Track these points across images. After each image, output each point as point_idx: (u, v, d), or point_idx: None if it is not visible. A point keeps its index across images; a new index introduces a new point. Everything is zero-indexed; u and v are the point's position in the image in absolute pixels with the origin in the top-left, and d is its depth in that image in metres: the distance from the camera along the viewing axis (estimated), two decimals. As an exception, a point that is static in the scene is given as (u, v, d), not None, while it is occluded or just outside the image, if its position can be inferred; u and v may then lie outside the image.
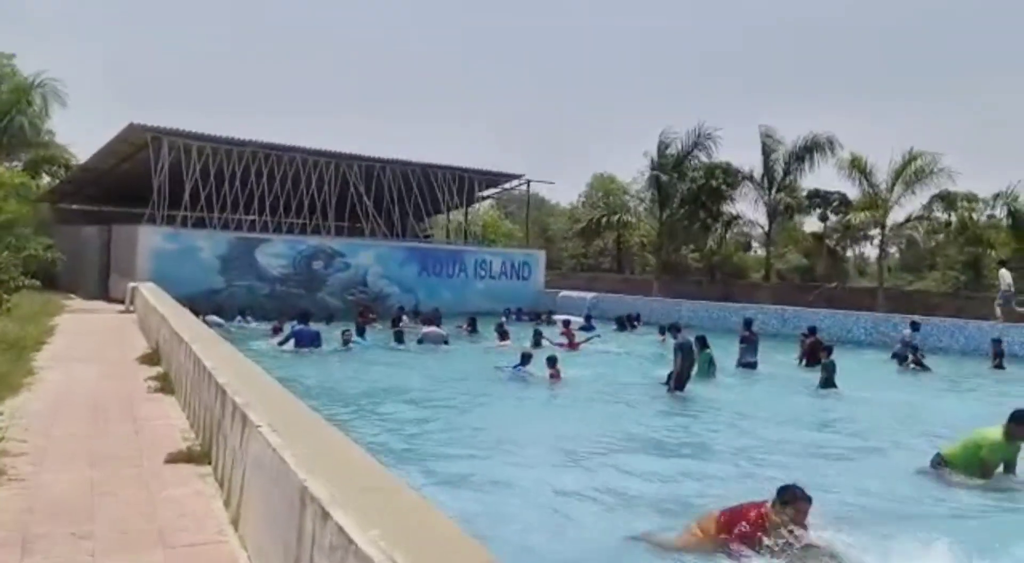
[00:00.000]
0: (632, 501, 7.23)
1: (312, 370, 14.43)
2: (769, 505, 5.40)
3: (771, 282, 37.00)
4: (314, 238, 26.71)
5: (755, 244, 51.84)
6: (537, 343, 17.79)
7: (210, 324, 15.31)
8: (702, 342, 15.04)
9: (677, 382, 13.19)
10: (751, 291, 38.33)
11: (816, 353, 17.65)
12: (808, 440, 10.51)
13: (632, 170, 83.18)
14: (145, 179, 23.81)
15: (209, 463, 5.51)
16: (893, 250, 35.94)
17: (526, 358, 14.31)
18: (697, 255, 43.57)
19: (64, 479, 5.09)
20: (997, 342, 18.63)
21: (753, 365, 16.83)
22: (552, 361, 14.05)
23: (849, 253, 42.75)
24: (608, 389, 13.75)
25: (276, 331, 18.07)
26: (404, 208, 29.18)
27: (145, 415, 7.31)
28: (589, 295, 30.99)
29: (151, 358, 10.77)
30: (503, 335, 19.31)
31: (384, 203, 28.37)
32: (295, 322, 17.60)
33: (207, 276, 24.10)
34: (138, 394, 8.37)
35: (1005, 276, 25.83)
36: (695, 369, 14.87)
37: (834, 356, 17.36)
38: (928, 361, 17.66)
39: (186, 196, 23.96)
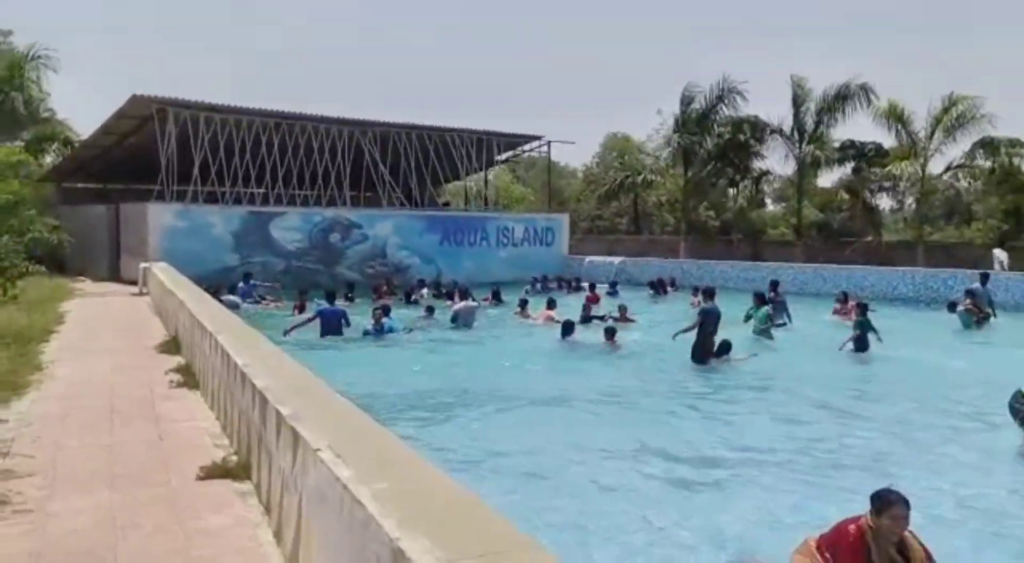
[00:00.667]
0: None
1: (346, 361, 12.92)
2: (867, 517, 4.61)
3: (802, 239, 35.80)
4: (330, 210, 25.84)
5: (768, 200, 50.85)
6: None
7: (227, 305, 14.58)
8: (761, 299, 14.27)
9: (699, 353, 12.26)
10: (781, 249, 37.31)
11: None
12: (875, 415, 9.58)
13: (647, 128, 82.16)
14: (152, 154, 22.97)
15: (249, 478, 4.71)
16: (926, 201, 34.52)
17: (568, 328, 13.56)
18: (713, 213, 42.41)
19: (79, 507, 4.30)
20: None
21: (782, 326, 16.23)
22: (610, 332, 13.37)
23: (883, 206, 41.36)
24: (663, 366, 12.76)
25: (300, 310, 17.20)
26: (422, 175, 28.20)
27: (168, 415, 6.54)
28: (616, 260, 30.05)
29: (170, 347, 10.02)
30: (523, 305, 18.52)
31: (401, 170, 27.41)
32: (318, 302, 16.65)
33: (220, 253, 23.34)
34: (159, 390, 7.60)
35: (999, 255, 25.51)
36: (752, 326, 14.18)
37: (880, 316, 16.84)
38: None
39: (195, 170, 23.09)
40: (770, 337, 14.26)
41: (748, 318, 15.14)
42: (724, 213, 42.30)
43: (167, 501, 4.41)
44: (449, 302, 19.60)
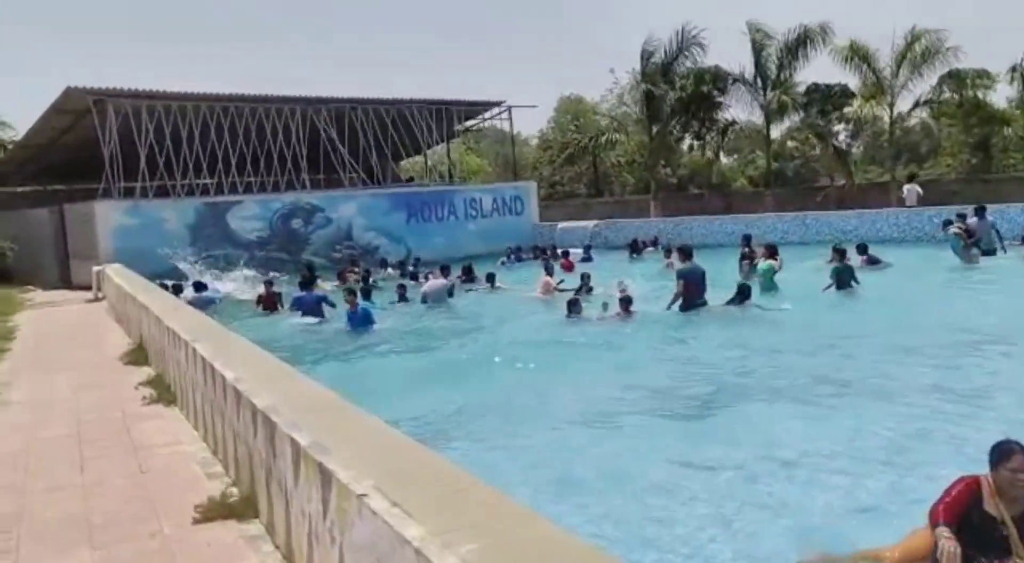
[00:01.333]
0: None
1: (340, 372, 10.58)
2: (987, 473, 4.18)
3: (771, 188, 35.48)
4: (289, 195, 24.75)
5: (720, 154, 50.78)
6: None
7: (197, 304, 13.67)
8: (772, 251, 13.60)
9: (683, 303, 11.95)
10: (751, 201, 36.94)
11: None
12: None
13: (600, 89, 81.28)
14: (94, 150, 21.71)
15: (256, 516, 3.96)
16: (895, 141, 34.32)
17: (574, 305, 12.77)
18: (670, 170, 41.92)
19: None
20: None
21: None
22: (626, 302, 12.53)
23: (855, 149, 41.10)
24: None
25: (266, 302, 16.20)
26: (382, 151, 27.17)
27: (147, 440, 5.73)
28: (590, 224, 29.39)
29: (136, 356, 9.14)
30: (491, 280, 17.88)
31: (360, 148, 26.35)
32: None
33: (177, 249, 22.19)
34: (131, 408, 6.78)
35: (913, 191, 25.56)
36: (758, 287, 13.53)
37: (884, 259, 16.43)
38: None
39: (142, 164, 21.85)
40: (775, 289, 13.58)
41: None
42: (680, 169, 41.83)
43: (163, 557, 3.64)
44: (414, 282, 18.72)
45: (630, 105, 37.58)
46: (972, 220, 16.40)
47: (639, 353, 10.60)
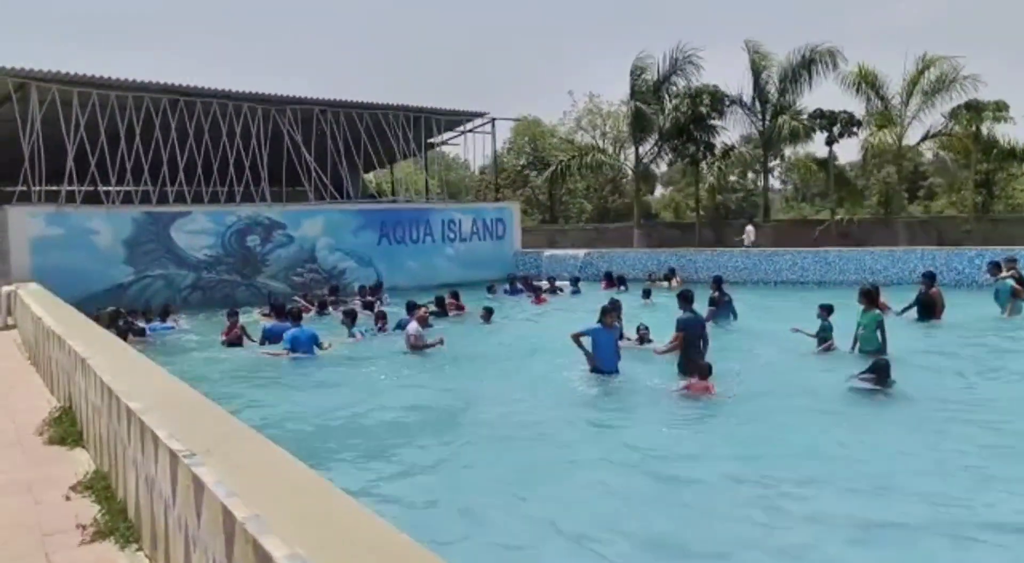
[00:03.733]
0: None
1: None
2: None
3: (768, 221, 33.84)
4: (246, 207, 21.76)
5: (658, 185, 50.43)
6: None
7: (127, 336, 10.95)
8: (869, 298, 11.28)
9: (687, 368, 9.93)
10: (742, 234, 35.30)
11: (932, 307, 14.35)
12: None
13: (558, 112, 79.87)
14: (11, 144, 18.52)
15: None
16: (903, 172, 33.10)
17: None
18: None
19: None
20: None
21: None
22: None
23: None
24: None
25: (231, 337, 13.39)
26: (353, 161, 24.46)
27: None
28: (580, 253, 27.06)
29: (63, 429, 6.34)
30: (488, 314, 15.73)
31: (329, 156, 23.62)
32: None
33: (109, 268, 19.11)
34: (56, 541, 4.05)
35: (750, 233, 28.88)
36: (856, 341, 11.22)
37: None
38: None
39: (70, 163, 18.76)
40: (879, 346, 11.13)
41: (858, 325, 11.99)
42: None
43: None
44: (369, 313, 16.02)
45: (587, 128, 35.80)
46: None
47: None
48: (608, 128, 42.79)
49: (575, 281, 21.84)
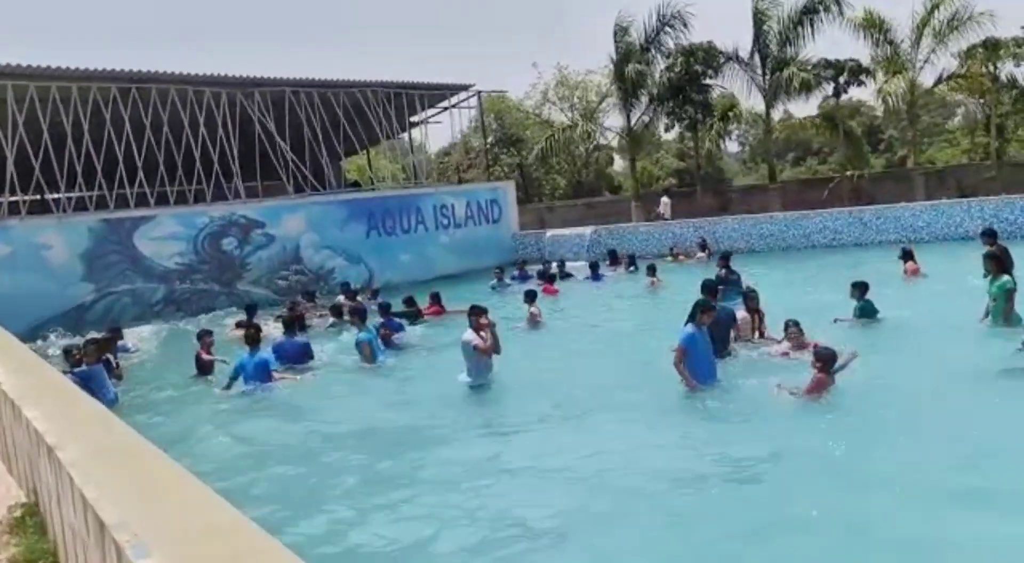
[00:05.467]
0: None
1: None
2: None
3: (775, 183, 32.07)
4: (218, 206, 19.43)
5: (616, 156, 48.30)
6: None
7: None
8: (999, 263, 9.48)
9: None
10: (750, 197, 33.64)
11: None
12: None
13: (524, 85, 77.43)
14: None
15: None
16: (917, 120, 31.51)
17: None
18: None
19: None
20: None
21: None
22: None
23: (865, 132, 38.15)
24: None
25: (203, 364, 11.10)
26: (332, 147, 22.18)
27: None
28: (587, 230, 25.04)
29: (29, 538, 4.23)
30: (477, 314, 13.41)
31: (306, 142, 21.33)
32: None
33: (65, 287, 16.73)
34: None
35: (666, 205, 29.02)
36: (986, 312, 9.44)
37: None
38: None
39: (10, 169, 16.31)
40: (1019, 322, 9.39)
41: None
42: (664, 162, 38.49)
43: None
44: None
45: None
46: None
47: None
48: (576, 99, 40.77)
49: (594, 266, 18.96)
